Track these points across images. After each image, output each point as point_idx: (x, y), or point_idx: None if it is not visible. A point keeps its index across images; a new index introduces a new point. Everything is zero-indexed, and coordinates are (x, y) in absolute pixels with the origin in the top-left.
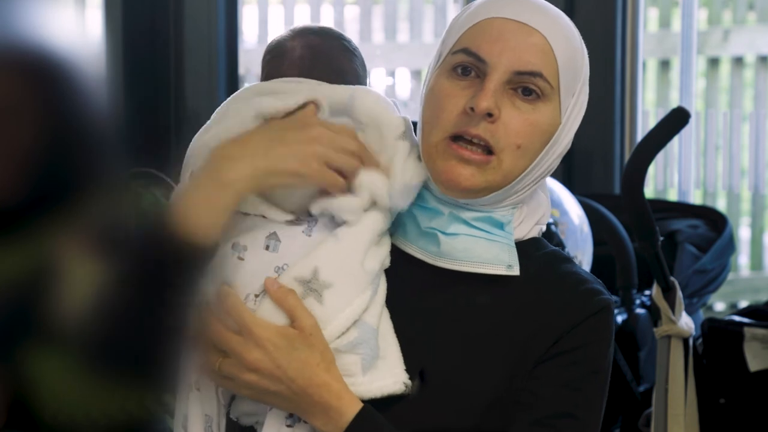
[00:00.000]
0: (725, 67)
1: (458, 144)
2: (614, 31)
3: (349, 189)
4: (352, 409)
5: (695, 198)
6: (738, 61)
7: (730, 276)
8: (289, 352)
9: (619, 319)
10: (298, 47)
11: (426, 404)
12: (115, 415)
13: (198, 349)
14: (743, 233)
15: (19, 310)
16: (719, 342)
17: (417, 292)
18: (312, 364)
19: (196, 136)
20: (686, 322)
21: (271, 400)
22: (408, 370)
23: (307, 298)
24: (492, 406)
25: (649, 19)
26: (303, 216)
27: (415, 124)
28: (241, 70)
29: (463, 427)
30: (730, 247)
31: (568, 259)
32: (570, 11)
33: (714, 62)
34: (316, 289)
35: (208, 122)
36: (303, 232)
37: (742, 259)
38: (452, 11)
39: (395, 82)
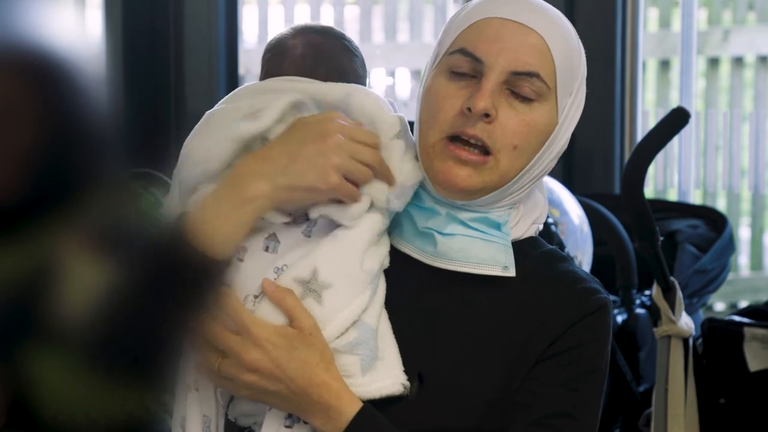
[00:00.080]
0: (725, 67)
1: (455, 145)
2: (614, 31)
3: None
4: (352, 408)
5: (695, 198)
6: (738, 61)
7: (730, 276)
8: (289, 352)
9: (619, 319)
10: (300, 45)
11: (425, 405)
12: (115, 415)
13: (197, 350)
14: (743, 233)
15: (19, 310)
16: (719, 342)
17: (414, 293)
18: (311, 364)
19: (186, 140)
20: (686, 322)
21: (270, 400)
22: (406, 370)
23: (307, 299)
24: (491, 406)
25: (649, 19)
26: (302, 217)
27: (411, 123)
28: (241, 70)
29: (462, 428)
30: (730, 247)
31: (565, 258)
32: (570, 11)
33: (714, 62)
34: (316, 290)
35: (197, 126)
36: (302, 233)
37: (742, 259)
38: (452, 11)
39: (395, 82)
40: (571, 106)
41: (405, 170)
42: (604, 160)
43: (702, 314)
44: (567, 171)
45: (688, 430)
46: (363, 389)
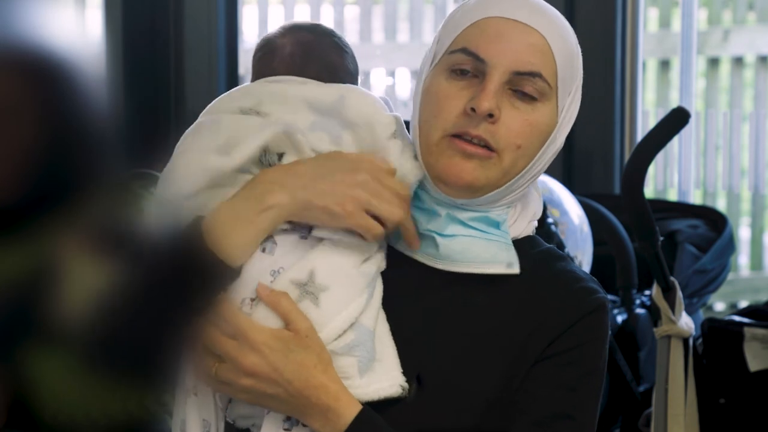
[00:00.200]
0: (725, 67)
1: (460, 140)
2: (614, 31)
3: (386, 237)
4: (351, 410)
5: (695, 198)
6: (738, 61)
7: (730, 276)
8: (285, 355)
9: (619, 319)
10: (289, 44)
11: (424, 405)
12: (115, 415)
13: (194, 355)
14: (743, 233)
15: (19, 310)
16: (719, 342)
17: (413, 293)
18: (309, 366)
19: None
20: (686, 322)
21: (268, 403)
22: (405, 371)
23: (304, 301)
24: (490, 406)
25: (649, 19)
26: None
27: (406, 122)
28: (241, 70)
29: (461, 428)
30: (730, 247)
31: (564, 257)
32: (570, 11)
33: (714, 62)
34: (312, 292)
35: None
36: (300, 235)
37: (742, 259)
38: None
39: (395, 82)
40: (569, 106)
41: (403, 169)
42: (604, 160)
43: (702, 314)
44: (567, 171)
45: (688, 430)
46: (361, 391)
